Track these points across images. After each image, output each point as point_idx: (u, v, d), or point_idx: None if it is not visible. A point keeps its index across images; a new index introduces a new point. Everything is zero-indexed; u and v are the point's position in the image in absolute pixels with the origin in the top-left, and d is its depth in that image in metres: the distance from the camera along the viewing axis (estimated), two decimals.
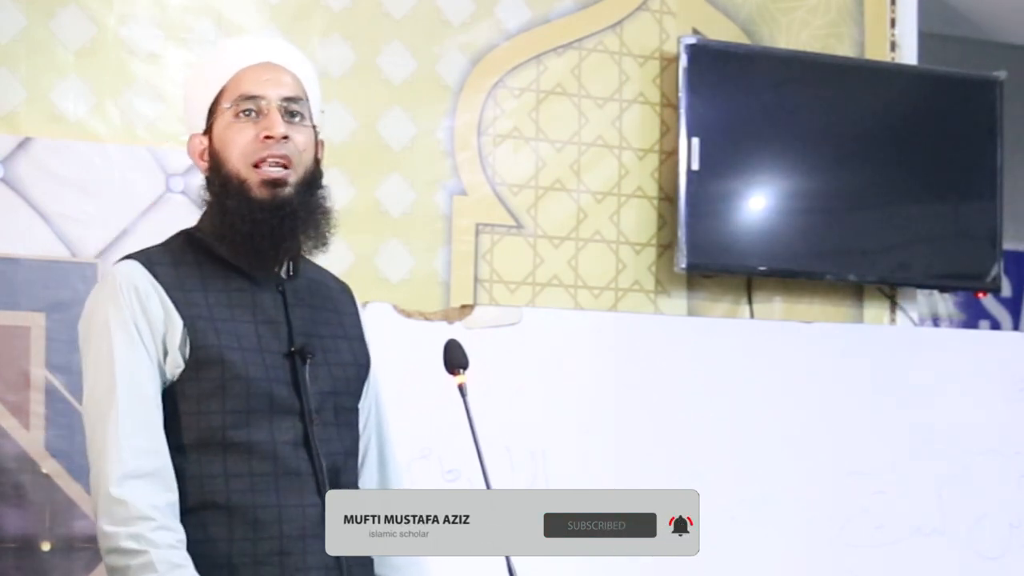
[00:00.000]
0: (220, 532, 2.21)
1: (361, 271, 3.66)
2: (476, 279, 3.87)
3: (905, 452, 4.04)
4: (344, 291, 2.51)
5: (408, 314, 3.58)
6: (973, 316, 6.08)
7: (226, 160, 2.31)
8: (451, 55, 3.88)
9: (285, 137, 2.29)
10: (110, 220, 3.46)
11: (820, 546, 3.94)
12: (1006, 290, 6.06)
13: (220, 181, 2.32)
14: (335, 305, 2.45)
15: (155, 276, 2.27)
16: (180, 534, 2.18)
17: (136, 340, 2.24)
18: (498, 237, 3.92)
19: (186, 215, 3.42)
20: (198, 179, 3.49)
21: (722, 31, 4.18)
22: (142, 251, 2.35)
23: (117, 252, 3.41)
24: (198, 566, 2.18)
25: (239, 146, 2.30)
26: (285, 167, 2.30)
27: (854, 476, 3.99)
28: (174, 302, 2.26)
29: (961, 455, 4.09)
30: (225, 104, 2.32)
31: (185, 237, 2.38)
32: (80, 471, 3.32)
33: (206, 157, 2.35)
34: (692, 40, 4.04)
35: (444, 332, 3.31)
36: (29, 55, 3.44)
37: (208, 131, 2.35)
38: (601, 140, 4.05)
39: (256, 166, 2.29)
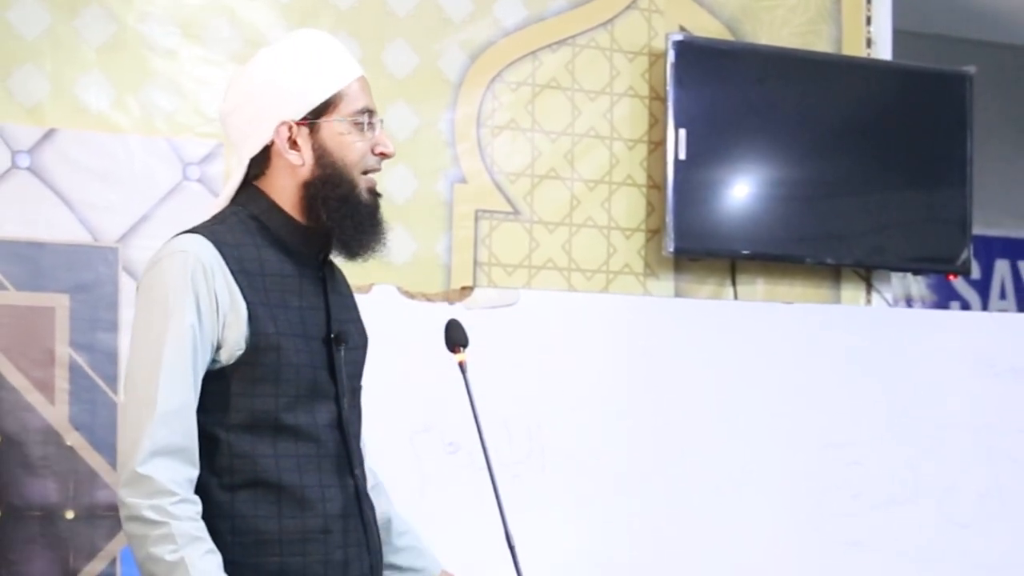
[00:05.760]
0: (270, 509, 2.24)
1: None
2: (476, 262, 3.91)
3: (880, 425, 4.06)
4: (340, 271, 2.48)
5: (411, 295, 3.60)
6: (944, 297, 6.09)
7: (340, 162, 2.31)
8: (452, 51, 3.93)
9: None
10: (130, 207, 3.50)
11: (800, 514, 3.97)
12: (975, 273, 6.08)
13: (332, 179, 2.30)
14: (344, 288, 2.46)
15: (223, 256, 2.23)
16: (199, 506, 2.19)
17: (193, 318, 2.19)
18: (496, 223, 3.96)
19: (202, 202, 3.42)
20: (214, 168, 3.56)
21: (707, 28, 4.22)
22: (206, 227, 2.29)
23: (137, 237, 3.48)
24: (247, 540, 2.23)
25: (359, 154, 2.32)
26: None
27: (832, 448, 4.01)
28: (239, 286, 2.23)
29: (933, 428, 4.12)
30: (347, 109, 2.31)
31: (243, 217, 2.32)
32: (102, 443, 3.40)
33: (298, 147, 2.31)
34: (679, 37, 4.08)
35: (445, 312, 3.42)
36: (54, 51, 3.50)
37: (308, 123, 2.31)
38: (593, 131, 4.09)
39: (363, 173, 2.34)
